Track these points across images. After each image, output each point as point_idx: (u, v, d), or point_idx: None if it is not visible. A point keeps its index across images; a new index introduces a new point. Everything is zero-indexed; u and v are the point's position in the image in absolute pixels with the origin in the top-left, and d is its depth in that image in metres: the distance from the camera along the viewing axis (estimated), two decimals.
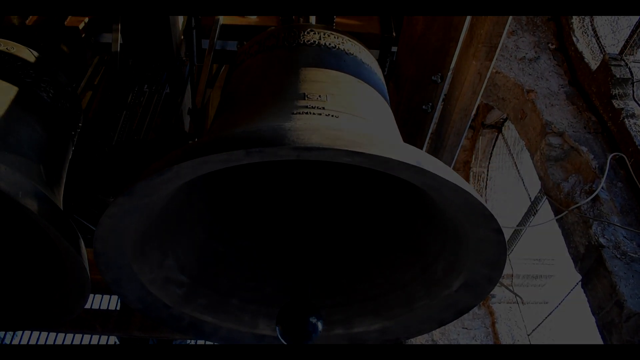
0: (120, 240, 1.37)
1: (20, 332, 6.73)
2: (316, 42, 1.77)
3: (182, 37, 2.65)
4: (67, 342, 6.44)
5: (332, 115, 1.43)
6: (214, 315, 1.75)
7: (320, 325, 1.39)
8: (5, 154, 1.77)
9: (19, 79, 1.97)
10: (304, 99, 1.51)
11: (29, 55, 2.09)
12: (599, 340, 3.27)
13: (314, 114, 1.44)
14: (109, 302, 6.25)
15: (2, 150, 1.77)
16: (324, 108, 1.46)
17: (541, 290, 5.54)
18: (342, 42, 1.83)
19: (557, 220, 3.66)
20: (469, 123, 2.39)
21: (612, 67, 3.94)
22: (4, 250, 1.97)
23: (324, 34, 1.82)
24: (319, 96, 1.52)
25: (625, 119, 3.74)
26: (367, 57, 1.92)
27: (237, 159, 1.12)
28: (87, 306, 6.43)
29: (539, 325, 4.99)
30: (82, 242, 1.90)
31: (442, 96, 2.35)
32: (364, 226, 1.87)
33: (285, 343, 1.39)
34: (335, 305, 1.75)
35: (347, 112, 1.48)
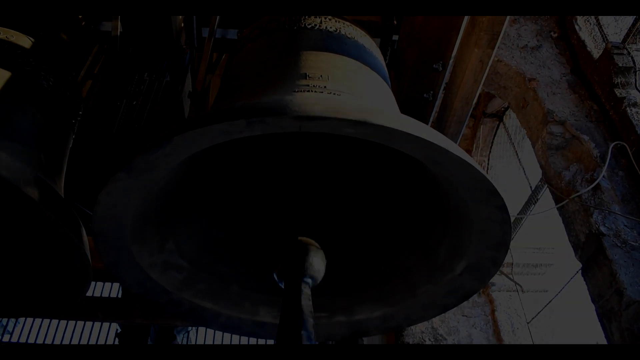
0: (120, 220, 1.34)
1: (22, 319, 6.77)
2: (317, 26, 1.76)
3: (182, 25, 2.64)
4: (69, 329, 6.49)
5: (334, 94, 1.41)
6: (213, 301, 1.73)
7: (323, 268, 1.30)
8: (6, 142, 1.77)
9: (18, 68, 1.96)
10: (306, 79, 1.49)
11: (28, 43, 2.09)
12: (598, 329, 3.28)
13: (315, 91, 1.42)
14: (110, 290, 6.27)
15: (2, 139, 1.77)
16: (325, 87, 1.44)
17: (541, 278, 5.56)
18: (343, 27, 1.82)
19: (557, 208, 3.66)
20: (470, 111, 2.38)
21: (615, 56, 3.92)
22: (5, 238, 1.98)
23: (325, 19, 1.81)
24: (321, 76, 1.50)
25: (627, 108, 3.74)
26: (368, 42, 1.90)
27: (238, 130, 1.10)
28: (89, 294, 6.44)
29: (538, 313, 5.02)
30: (84, 229, 1.91)
31: (444, 84, 2.34)
32: (366, 211, 1.84)
33: (281, 286, 1.28)
34: (336, 292, 1.74)
35: (348, 92, 1.46)
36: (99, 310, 5.45)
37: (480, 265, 1.43)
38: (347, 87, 1.50)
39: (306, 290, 1.21)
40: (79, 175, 2.27)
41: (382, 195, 1.81)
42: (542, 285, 5.43)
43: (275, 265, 1.33)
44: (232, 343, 6.33)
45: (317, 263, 1.29)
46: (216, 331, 6.45)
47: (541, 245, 5.65)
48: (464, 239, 1.42)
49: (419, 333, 4.77)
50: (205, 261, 1.71)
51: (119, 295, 6.10)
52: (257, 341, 6.05)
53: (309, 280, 1.25)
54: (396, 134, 1.08)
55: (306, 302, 1.15)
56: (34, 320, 6.58)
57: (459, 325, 4.92)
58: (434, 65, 2.23)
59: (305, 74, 1.51)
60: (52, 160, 1.97)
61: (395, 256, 1.71)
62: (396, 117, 1.15)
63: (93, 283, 6.16)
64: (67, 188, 2.09)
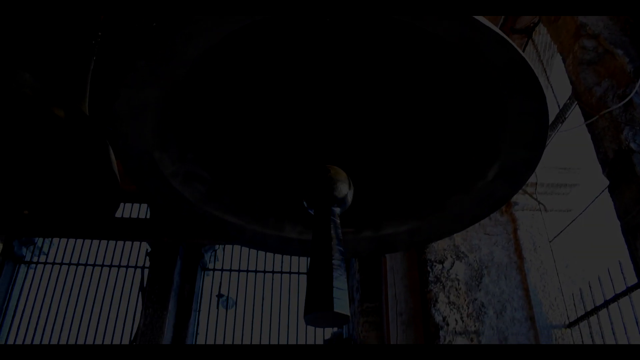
0: (140, 120, 1.30)
1: (57, 241, 7.03)
2: None
3: None
4: (101, 249, 6.74)
5: None
6: (238, 216, 1.73)
7: (350, 194, 1.33)
8: (30, 62, 1.77)
9: None
10: None
11: None
12: (621, 249, 3.28)
13: None
14: (138, 211, 6.45)
15: (27, 60, 1.77)
16: None
17: (565, 198, 5.52)
18: None
19: (587, 125, 3.57)
20: (499, 26, 2.28)
21: None
22: (35, 159, 2.01)
23: None
24: None
25: None
26: None
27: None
28: (119, 215, 6.65)
29: (561, 232, 5.03)
30: (111, 149, 1.92)
31: None
32: (394, 119, 1.76)
33: (311, 213, 1.31)
34: (364, 207, 1.72)
35: None
36: (129, 230, 5.64)
37: (514, 168, 1.37)
38: None
39: (335, 219, 1.25)
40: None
41: (409, 98, 1.71)
42: (566, 205, 5.41)
43: (304, 190, 1.37)
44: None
45: (345, 191, 1.32)
46: (242, 249, 6.66)
47: (567, 165, 5.58)
48: (497, 139, 1.33)
49: (440, 250, 4.85)
50: (229, 174, 1.68)
51: (148, 216, 6.28)
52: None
53: (338, 210, 1.29)
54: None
55: (336, 231, 1.21)
56: (67, 241, 6.84)
57: (481, 243, 4.97)
58: None
59: None
60: (74, 80, 1.97)
61: (423, 165, 1.66)
62: None
63: (122, 204, 6.32)
64: (90, 109, 2.09)
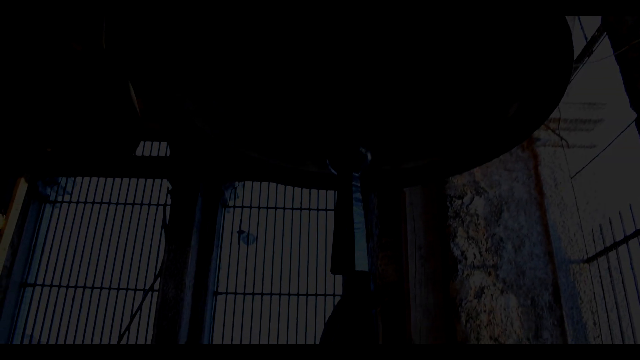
0: (156, 51, 1.28)
1: (79, 180, 7.15)
2: None
3: None
4: (124, 187, 6.85)
5: None
6: (259, 151, 1.74)
7: (369, 156, 1.40)
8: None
9: None
10: None
11: None
12: None
13: None
14: (158, 149, 6.50)
15: None
16: None
17: (589, 134, 5.42)
18: None
19: (615, 56, 3.45)
20: None
21: None
22: (57, 96, 2.01)
23: None
24: None
25: None
26: None
27: None
28: (138, 153, 6.73)
29: (583, 167, 4.97)
30: (132, 86, 1.91)
31: None
32: (417, 52, 1.69)
33: (335, 173, 1.41)
34: (383, 141, 1.71)
35: None
36: (149, 167, 5.70)
37: (537, 102, 1.34)
38: None
39: (356, 184, 1.35)
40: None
41: (434, 35, 1.64)
42: (589, 141, 5.31)
43: (328, 153, 1.47)
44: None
45: (365, 158, 1.42)
46: (261, 186, 6.73)
47: (592, 100, 5.43)
48: (519, 72, 1.31)
49: (460, 186, 4.84)
50: (250, 109, 1.67)
51: (168, 154, 6.34)
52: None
53: (357, 174, 1.38)
54: None
55: (357, 195, 1.33)
56: (90, 180, 6.96)
57: (501, 178, 4.94)
58: None
59: None
60: (94, 18, 1.94)
61: (444, 100, 1.62)
62: None
63: (142, 143, 6.37)
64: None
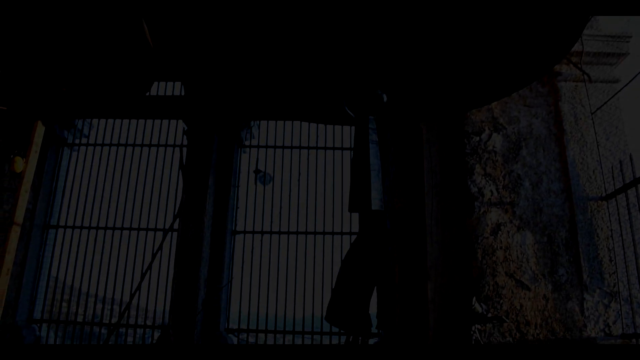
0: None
1: (96, 123, 7.18)
2: None
3: None
4: (140, 128, 6.86)
5: None
6: (275, 89, 1.72)
7: (385, 98, 1.41)
8: None
9: None
10: None
11: None
12: None
13: None
14: (173, 88, 6.46)
15: None
16: None
17: (612, 69, 5.26)
18: None
19: None
20: None
21: None
22: (71, 35, 1.98)
23: None
24: None
25: None
26: None
27: None
28: (153, 93, 6.70)
29: (605, 103, 4.87)
30: (144, 23, 1.88)
31: None
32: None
33: (352, 115, 1.43)
34: (400, 80, 1.68)
35: None
36: (165, 107, 5.69)
37: (557, 33, 1.30)
38: None
39: (373, 127, 1.43)
40: None
41: None
42: (612, 76, 5.16)
43: (346, 95, 1.56)
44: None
45: (381, 100, 1.50)
46: (277, 126, 6.72)
47: (616, 32, 5.24)
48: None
49: (478, 122, 4.77)
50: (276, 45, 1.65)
51: (183, 94, 6.31)
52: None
53: (373, 117, 1.45)
54: None
55: (373, 137, 1.38)
56: (106, 122, 6.98)
57: (520, 115, 4.86)
58: None
59: None
60: None
61: (465, 35, 1.59)
62: None
63: (156, 84, 6.33)
64: None
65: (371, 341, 5.36)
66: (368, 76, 1.43)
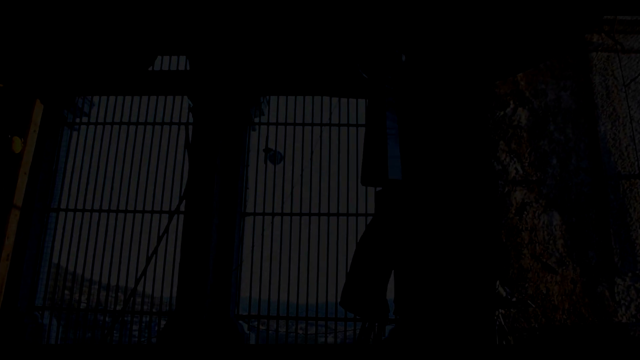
0: None
1: (97, 101, 6.91)
2: None
3: None
4: (143, 105, 6.60)
5: None
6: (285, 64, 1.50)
7: (403, 57, 1.24)
8: None
9: None
10: None
11: None
12: None
13: None
14: (177, 63, 6.16)
15: None
16: None
17: None
18: None
19: None
20: None
21: None
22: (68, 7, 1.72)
23: None
24: None
25: None
26: None
27: None
28: (157, 68, 6.40)
29: (639, 75, 4.56)
30: None
31: None
32: None
33: (365, 77, 1.27)
34: (420, 42, 1.44)
35: None
36: (169, 83, 5.41)
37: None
38: None
39: (390, 87, 1.25)
40: None
41: None
42: None
43: (361, 58, 1.39)
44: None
45: (399, 59, 1.35)
46: (287, 102, 6.43)
47: None
48: None
49: (502, 96, 4.47)
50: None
51: (188, 68, 6.01)
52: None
53: (389, 86, 1.27)
54: None
55: (390, 99, 1.22)
56: (107, 100, 6.71)
57: (547, 87, 4.55)
58: None
59: None
60: None
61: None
62: None
63: (159, 58, 6.03)
64: None
65: (388, 327, 5.14)
66: (386, 35, 1.20)
